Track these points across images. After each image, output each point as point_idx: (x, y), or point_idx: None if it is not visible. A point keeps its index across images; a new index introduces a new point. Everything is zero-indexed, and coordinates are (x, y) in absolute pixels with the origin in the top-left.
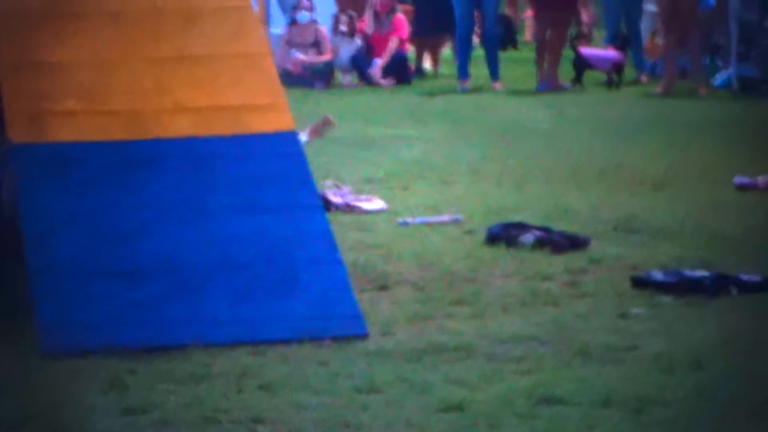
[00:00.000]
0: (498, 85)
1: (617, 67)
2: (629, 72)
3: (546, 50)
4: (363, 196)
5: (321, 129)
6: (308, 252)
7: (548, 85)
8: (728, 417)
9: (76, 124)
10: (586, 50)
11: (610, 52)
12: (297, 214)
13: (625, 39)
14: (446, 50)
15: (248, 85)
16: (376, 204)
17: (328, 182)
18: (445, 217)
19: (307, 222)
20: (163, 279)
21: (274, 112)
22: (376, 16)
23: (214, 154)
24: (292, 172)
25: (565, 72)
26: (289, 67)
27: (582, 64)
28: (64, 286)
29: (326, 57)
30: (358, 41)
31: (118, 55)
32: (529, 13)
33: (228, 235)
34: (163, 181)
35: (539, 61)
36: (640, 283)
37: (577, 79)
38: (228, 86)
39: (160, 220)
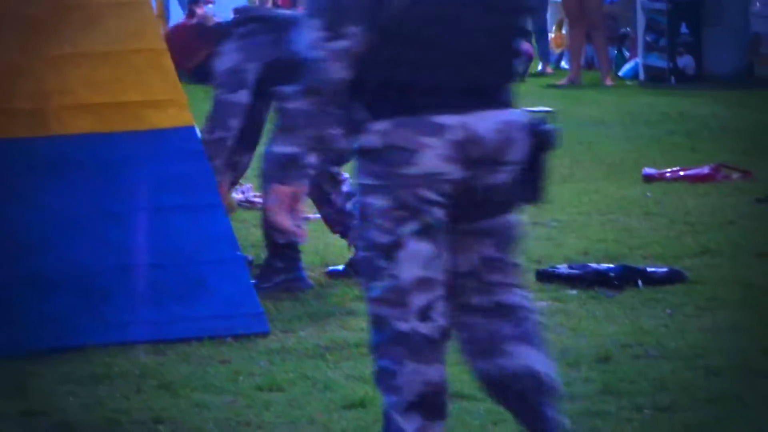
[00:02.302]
0: None
1: (526, 60)
2: (534, 63)
3: None
4: None
5: None
6: (210, 252)
7: None
8: (635, 412)
9: None
10: None
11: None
12: (199, 214)
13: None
14: None
15: (148, 81)
16: None
17: None
18: None
19: (209, 221)
20: (68, 286)
21: (174, 108)
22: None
23: (116, 154)
24: (193, 171)
25: None
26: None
27: None
28: None
29: None
30: None
31: (21, 55)
32: None
33: (131, 239)
34: (65, 188)
35: None
36: (545, 276)
37: None
38: (128, 83)
39: (64, 228)
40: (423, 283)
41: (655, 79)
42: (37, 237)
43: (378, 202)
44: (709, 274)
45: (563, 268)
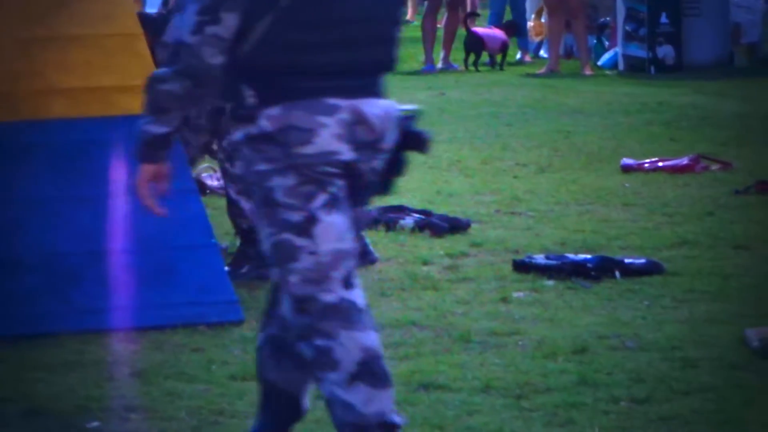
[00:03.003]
0: None
1: (503, 48)
2: (513, 52)
3: (445, 31)
4: None
5: None
6: (183, 238)
7: (433, 66)
8: (611, 404)
9: None
10: (480, 30)
11: (498, 33)
12: (172, 199)
13: (509, 22)
14: None
15: (121, 66)
16: None
17: (204, 165)
18: None
19: (183, 207)
20: (38, 270)
21: None
22: None
23: (87, 138)
24: None
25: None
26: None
27: (477, 45)
28: None
29: None
30: None
31: None
32: None
33: (102, 224)
34: (36, 170)
35: (427, 42)
36: (522, 266)
37: (474, 62)
38: (101, 68)
39: (35, 212)
40: (340, 254)
41: (634, 68)
42: (8, 222)
43: (282, 182)
44: (687, 265)
45: (540, 258)
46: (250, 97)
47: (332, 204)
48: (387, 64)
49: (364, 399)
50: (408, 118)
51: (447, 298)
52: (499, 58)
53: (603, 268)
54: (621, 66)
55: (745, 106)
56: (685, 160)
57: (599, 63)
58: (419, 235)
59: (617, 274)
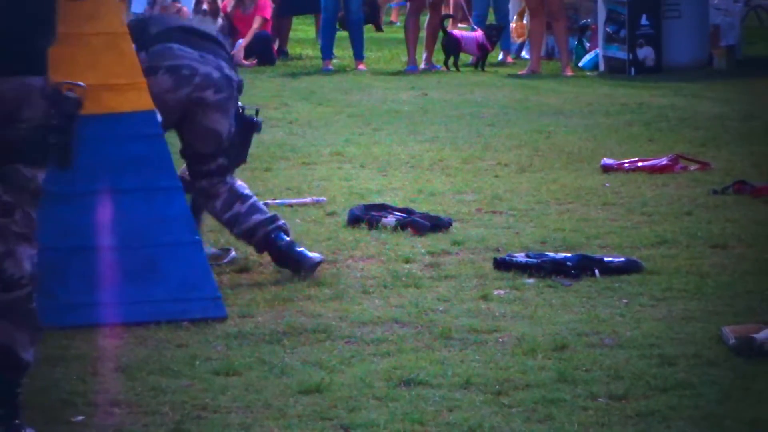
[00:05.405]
0: (362, 66)
1: (480, 49)
2: (495, 53)
3: (427, 32)
4: None
5: None
6: (168, 235)
7: (416, 67)
8: (590, 401)
9: None
10: (457, 32)
11: (476, 34)
12: (156, 197)
13: (491, 25)
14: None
15: (107, 65)
16: None
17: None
18: (307, 199)
19: (167, 204)
20: None
21: (134, 92)
22: None
23: None
24: (151, 154)
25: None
26: None
27: (454, 47)
28: None
29: None
30: (220, 21)
31: None
32: None
33: (86, 220)
34: None
35: (410, 42)
36: (503, 265)
37: (455, 63)
38: (86, 66)
39: None
40: None
41: (614, 70)
42: None
43: None
44: (665, 264)
45: (521, 256)
46: None
47: None
48: (20, 44)
49: None
50: (59, 89)
51: (428, 295)
52: (479, 59)
53: (582, 267)
54: (601, 67)
55: (724, 107)
56: (664, 161)
57: (580, 64)
58: (401, 234)
59: (596, 272)
